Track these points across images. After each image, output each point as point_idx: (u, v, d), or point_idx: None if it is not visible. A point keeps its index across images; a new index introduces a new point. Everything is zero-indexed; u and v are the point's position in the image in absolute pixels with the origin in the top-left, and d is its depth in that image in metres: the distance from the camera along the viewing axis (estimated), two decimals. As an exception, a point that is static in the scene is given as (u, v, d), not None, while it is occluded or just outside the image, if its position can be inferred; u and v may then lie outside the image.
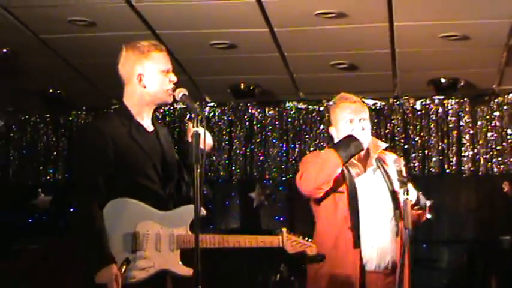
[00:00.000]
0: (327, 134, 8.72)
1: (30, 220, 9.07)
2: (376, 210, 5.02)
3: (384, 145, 5.19)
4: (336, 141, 5.16)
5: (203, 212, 4.15)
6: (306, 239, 4.69)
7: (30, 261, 7.69)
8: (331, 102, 5.39)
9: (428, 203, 5.18)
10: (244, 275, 8.40)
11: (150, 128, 4.39)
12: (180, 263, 4.27)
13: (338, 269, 4.97)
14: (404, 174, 4.89)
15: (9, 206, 9.03)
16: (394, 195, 5.04)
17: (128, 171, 4.20)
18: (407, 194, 4.76)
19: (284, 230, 4.59)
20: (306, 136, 8.83)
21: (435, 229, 8.43)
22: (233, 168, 8.90)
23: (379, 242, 4.98)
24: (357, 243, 4.94)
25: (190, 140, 4.19)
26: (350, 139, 4.97)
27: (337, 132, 5.19)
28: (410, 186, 4.90)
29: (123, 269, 4.05)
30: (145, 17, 6.54)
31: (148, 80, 4.32)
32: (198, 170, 3.98)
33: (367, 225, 4.99)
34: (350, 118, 5.12)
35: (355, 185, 5.04)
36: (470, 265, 8.10)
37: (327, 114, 8.73)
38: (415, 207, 4.96)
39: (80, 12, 6.46)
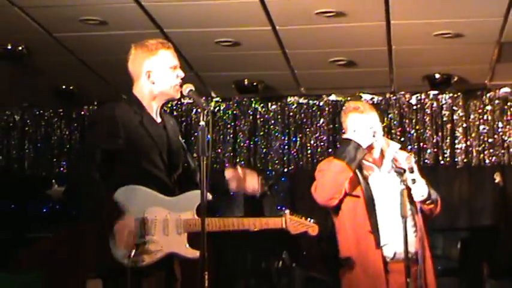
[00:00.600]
0: (326, 128, 8.76)
1: (44, 209, 9.09)
2: (393, 208, 5.01)
3: (397, 146, 5.17)
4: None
5: (208, 196, 4.19)
6: (309, 219, 4.67)
7: (45, 248, 7.72)
8: (343, 108, 5.36)
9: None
10: (247, 262, 8.41)
11: (158, 119, 4.42)
12: (187, 245, 4.28)
13: (362, 269, 5.00)
14: (400, 165, 4.91)
15: (24, 196, 9.07)
16: (408, 191, 5.06)
17: (135, 157, 4.24)
18: (404, 185, 4.79)
19: (287, 211, 4.60)
20: (307, 129, 8.82)
21: (430, 218, 8.43)
22: (237, 159, 8.90)
23: (401, 236, 4.99)
24: (378, 244, 4.96)
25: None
26: (351, 145, 5.00)
27: (357, 134, 5.16)
28: (422, 181, 4.96)
29: (133, 253, 4.07)
30: (153, 16, 6.55)
31: (156, 76, 4.36)
32: (204, 162, 4.02)
33: (389, 222, 5.01)
34: (360, 126, 5.12)
35: (370, 188, 5.07)
36: (463, 252, 8.11)
37: (327, 109, 8.77)
38: (427, 202, 5.00)
39: (91, 12, 6.47)
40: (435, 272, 5.07)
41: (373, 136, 5.09)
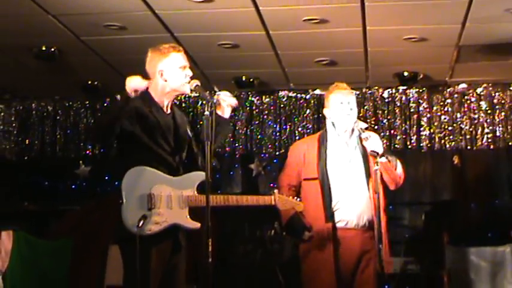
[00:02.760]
0: (312, 117, 8.77)
1: (73, 186, 9.08)
2: (353, 181, 5.00)
3: (364, 125, 5.09)
4: (328, 120, 5.16)
5: None
6: (295, 198, 4.69)
7: (73, 219, 7.72)
8: (328, 90, 5.35)
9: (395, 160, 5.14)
10: (245, 231, 8.41)
11: (168, 111, 4.43)
12: (188, 217, 4.29)
13: (316, 240, 4.98)
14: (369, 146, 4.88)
15: (56, 174, 9.07)
16: (367, 167, 5.04)
17: (144, 141, 4.25)
18: (377, 166, 4.78)
19: (276, 191, 4.61)
20: (295, 119, 8.81)
21: (399, 193, 8.41)
22: (236, 144, 8.90)
23: (357, 205, 4.98)
24: (328, 219, 4.93)
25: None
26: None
27: (330, 112, 5.18)
28: (377, 138, 4.89)
29: (141, 223, 4.09)
30: (165, 22, 6.55)
31: (168, 75, 4.37)
32: (208, 146, 4.03)
33: (347, 193, 4.99)
34: (341, 101, 5.11)
35: (326, 171, 5.00)
36: (427, 222, 8.12)
37: (313, 101, 8.77)
38: (382, 158, 4.87)
39: (113, 19, 6.47)
40: (389, 237, 5.03)
41: (350, 110, 5.07)
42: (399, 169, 5.11)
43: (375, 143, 4.87)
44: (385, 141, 8.57)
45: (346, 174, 5.04)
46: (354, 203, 4.99)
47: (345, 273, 4.97)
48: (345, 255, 4.96)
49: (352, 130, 5.11)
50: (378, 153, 4.82)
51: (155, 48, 4.46)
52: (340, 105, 5.10)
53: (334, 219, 4.96)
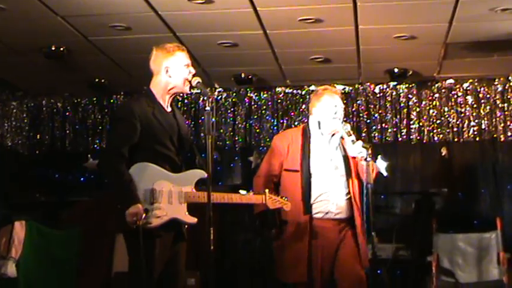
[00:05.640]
0: (307, 112, 8.76)
1: (82, 179, 9.08)
2: (334, 178, 4.99)
3: (349, 127, 5.01)
4: (313, 117, 5.14)
5: (204, 174, 4.22)
6: (284, 198, 4.70)
7: (82, 209, 7.73)
8: (318, 89, 5.28)
9: (383, 163, 5.17)
10: (245, 220, 8.42)
11: (168, 109, 4.43)
12: (187, 213, 4.31)
13: (292, 232, 4.94)
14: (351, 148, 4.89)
15: (66, 167, 9.07)
16: (348, 167, 5.03)
17: (150, 142, 4.25)
18: (366, 161, 4.77)
19: (267, 190, 4.63)
20: (292, 113, 8.82)
21: (390, 184, 8.44)
22: (236, 138, 8.90)
23: (336, 201, 4.95)
24: (306, 211, 4.90)
25: None
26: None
27: (319, 112, 5.13)
28: (360, 143, 4.86)
29: (143, 216, 4.10)
30: (168, 23, 6.55)
31: (173, 71, 4.38)
32: (209, 140, 4.04)
33: (327, 189, 4.96)
34: (334, 104, 5.07)
35: (309, 164, 4.98)
36: (417, 211, 8.12)
37: (308, 97, 8.75)
38: (366, 161, 4.83)
39: (118, 19, 6.47)
40: (364, 230, 4.98)
41: (335, 113, 5.04)
42: (374, 171, 5.04)
43: (359, 147, 4.86)
44: (377, 134, 8.59)
45: (327, 171, 5.00)
46: (333, 198, 4.96)
47: (326, 262, 4.93)
48: (324, 244, 4.92)
49: (334, 132, 5.09)
50: (362, 157, 4.83)
51: (160, 47, 4.45)
52: (331, 109, 5.06)
53: (312, 212, 4.93)
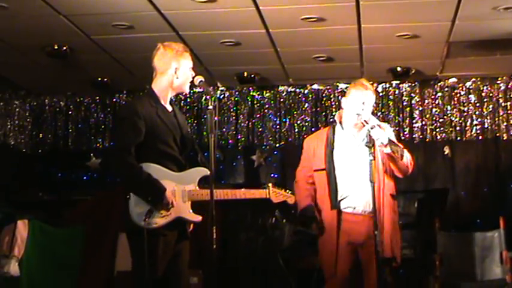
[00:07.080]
0: (310, 111, 8.77)
1: (85, 177, 9.09)
2: (359, 171, 5.00)
3: (376, 121, 5.05)
4: (345, 109, 5.16)
5: (207, 172, 4.22)
6: (287, 191, 4.69)
7: (85, 208, 7.73)
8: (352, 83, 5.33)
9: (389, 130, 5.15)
10: (247, 219, 8.42)
11: (169, 108, 4.43)
12: (191, 211, 4.30)
13: (327, 227, 5.06)
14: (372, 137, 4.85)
15: (69, 166, 9.08)
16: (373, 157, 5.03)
17: (154, 141, 4.24)
18: (372, 157, 4.75)
19: (270, 184, 4.62)
20: (294, 112, 8.81)
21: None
22: (239, 137, 8.91)
23: (363, 194, 4.96)
24: (333, 206, 5.02)
25: None
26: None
27: (347, 104, 5.17)
28: (382, 130, 4.86)
29: (147, 217, 4.09)
30: (171, 22, 6.55)
31: (181, 73, 4.37)
32: (212, 139, 4.04)
33: (353, 183, 5.02)
34: (362, 101, 5.10)
35: (332, 163, 5.06)
36: (419, 209, 8.11)
37: (311, 96, 8.76)
38: (388, 148, 4.86)
39: (121, 18, 6.48)
40: (394, 225, 5.04)
41: (362, 110, 5.03)
42: (405, 159, 5.05)
43: (379, 133, 4.85)
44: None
45: (352, 165, 5.07)
46: (360, 192, 5.01)
47: (352, 253, 5.04)
48: (353, 237, 5.01)
49: (362, 125, 5.07)
50: (382, 143, 4.83)
51: (169, 47, 4.42)
52: (358, 105, 5.08)
53: (340, 207, 5.03)
